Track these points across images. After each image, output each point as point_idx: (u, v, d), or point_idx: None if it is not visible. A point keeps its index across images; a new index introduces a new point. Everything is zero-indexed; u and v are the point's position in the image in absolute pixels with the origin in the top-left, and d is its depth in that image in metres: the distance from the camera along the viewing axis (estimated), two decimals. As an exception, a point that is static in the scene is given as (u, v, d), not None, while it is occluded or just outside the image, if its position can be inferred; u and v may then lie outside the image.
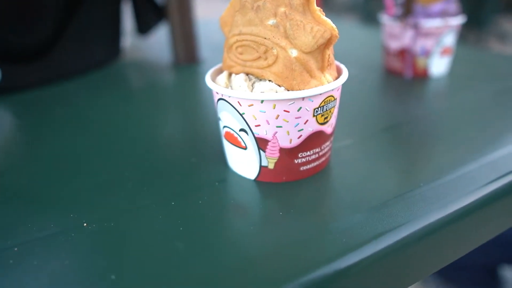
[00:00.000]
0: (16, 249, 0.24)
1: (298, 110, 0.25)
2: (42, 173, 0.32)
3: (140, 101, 0.50)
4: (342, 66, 0.29)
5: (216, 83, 0.29)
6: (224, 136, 0.29)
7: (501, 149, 0.32)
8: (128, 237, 0.24)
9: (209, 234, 0.24)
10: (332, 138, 0.30)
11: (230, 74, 0.29)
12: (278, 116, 0.25)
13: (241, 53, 0.27)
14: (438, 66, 0.50)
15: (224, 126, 0.29)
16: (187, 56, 0.59)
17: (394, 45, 0.51)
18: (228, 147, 0.30)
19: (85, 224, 0.26)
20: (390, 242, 0.23)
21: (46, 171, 0.33)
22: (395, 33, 0.50)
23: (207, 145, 0.35)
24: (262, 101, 0.25)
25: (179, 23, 0.57)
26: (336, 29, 0.25)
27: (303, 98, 0.25)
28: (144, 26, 0.67)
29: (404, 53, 0.50)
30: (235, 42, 0.27)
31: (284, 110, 0.25)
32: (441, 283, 0.69)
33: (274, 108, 0.25)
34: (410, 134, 0.36)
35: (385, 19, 0.51)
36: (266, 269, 0.21)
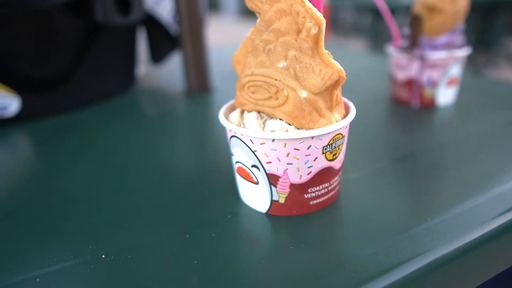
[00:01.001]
0: (38, 279, 0.25)
1: (308, 148, 0.27)
2: (60, 204, 0.34)
3: (153, 130, 0.51)
4: (350, 104, 0.31)
5: (229, 120, 0.30)
6: (237, 170, 0.30)
7: (509, 182, 0.33)
8: (144, 270, 0.25)
9: (222, 267, 0.25)
10: (340, 173, 0.31)
11: (242, 112, 0.30)
12: (288, 154, 0.27)
13: (253, 92, 0.29)
14: (445, 96, 0.51)
15: (237, 162, 0.30)
16: (200, 86, 0.61)
17: (401, 75, 0.52)
18: (240, 181, 0.31)
19: (103, 256, 0.27)
20: (397, 277, 0.24)
21: (64, 203, 0.34)
22: (402, 64, 0.51)
23: (220, 177, 0.36)
24: (273, 140, 0.26)
25: (192, 52, 0.59)
26: (343, 71, 0.27)
27: (312, 137, 0.26)
28: (158, 55, 0.69)
29: (411, 84, 0.51)
30: (247, 82, 0.29)
31: (294, 148, 0.26)
32: None
33: (284, 147, 0.26)
34: (417, 166, 0.37)
35: (392, 50, 0.53)
36: (278, 304, 0.22)
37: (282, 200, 0.29)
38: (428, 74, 0.50)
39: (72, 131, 0.51)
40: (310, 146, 0.26)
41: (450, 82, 0.51)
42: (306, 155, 0.27)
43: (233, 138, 0.29)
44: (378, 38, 2.90)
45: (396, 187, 0.34)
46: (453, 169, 0.37)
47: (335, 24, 4.25)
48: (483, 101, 0.54)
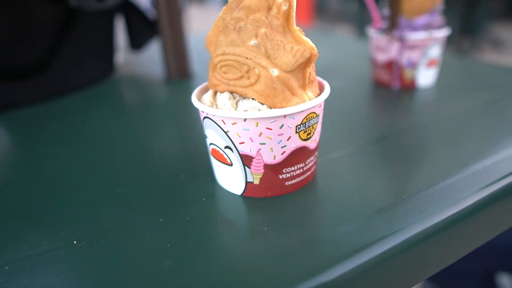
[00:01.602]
0: (6, 267, 0.24)
1: (281, 128, 0.26)
2: (34, 190, 0.33)
3: (132, 116, 0.50)
4: (325, 83, 0.30)
5: (202, 102, 0.29)
6: (211, 153, 0.30)
7: (485, 160, 0.33)
8: (117, 254, 0.25)
9: (196, 250, 0.25)
10: (316, 153, 0.30)
11: (215, 93, 0.30)
12: (261, 133, 0.26)
13: (225, 72, 0.28)
14: (425, 77, 0.51)
15: (211, 144, 0.29)
16: (179, 71, 0.60)
17: (381, 57, 0.52)
18: (215, 164, 0.30)
19: (75, 242, 0.26)
20: (371, 255, 0.24)
21: (38, 189, 0.33)
22: (382, 46, 0.51)
23: (197, 161, 0.36)
24: (245, 120, 0.26)
25: (171, 38, 0.58)
26: (315, 48, 0.26)
27: (284, 116, 0.26)
28: (137, 42, 0.68)
29: (391, 65, 0.51)
30: (219, 62, 0.28)
31: (267, 128, 0.26)
32: None
33: (257, 126, 0.26)
34: (396, 146, 0.37)
35: (372, 32, 0.52)
36: (250, 283, 0.22)
37: (256, 182, 0.28)
38: (408, 56, 0.49)
39: (50, 119, 0.50)
40: (282, 125, 0.26)
41: (430, 63, 0.51)
42: (279, 135, 0.26)
43: (206, 120, 0.28)
44: (364, 24, 2.89)
45: (374, 167, 0.34)
46: (432, 148, 0.37)
47: (321, 12, 4.23)
48: (463, 82, 0.54)
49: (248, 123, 0.26)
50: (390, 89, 0.52)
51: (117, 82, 0.64)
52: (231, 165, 0.29)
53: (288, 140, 0.27)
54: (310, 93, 0.28)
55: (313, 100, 0.27)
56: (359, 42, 0.85)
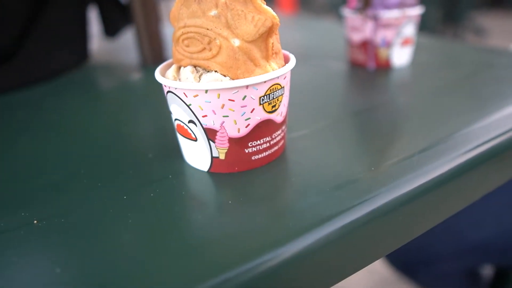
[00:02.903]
0: (-37, 250, 0.24)
1: (243, 99, 0.26)
2: (-3, 175, 0.32)
3: (106, 102, 0.49)
4: (291, 55, 0.30)
5: (166, 77, 0.29)
6: (176, 129, 0.29)
7: (457, 132, 0.33)
8: (76, 232, 0.24)
9: (157, 225, 0.24)
10: (284, 127, 0.30)
11: (179, 68, 0.29)
12: (223, 105, 0.26)
13: (187, 46, 0.27)
14: (400, 56, 0.51)
15: (175, 119, 0.29)
16: (154, 57, 0.59)
17: (356, 37, 0.52)
18: (181, 140, 0.30)
19: (35, 222, 0.26)
20: (335, 226, 0.24)
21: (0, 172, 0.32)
22: (356, 26, 0.51)
23: (165, 141, 0.35)
24: (206, 91, 0.25)
25: (144, 23, 0.57)
26: (277, 18, 0.26)
27: (247, 87, 0.25)
28: (111, 29, 0.66)
29: (366, 45, 0.51)
30: (181, 35, 0.27)
31: (229, 99, 0.25)
32: None
33: (218, 98, 0.25)
34: (369, 121, 0.37)
35: (347, 12, 0.52)
36: (211, 256, 0.22)
37: (222, 156, 0.28)
38: (382, 35, 0.49)
39: (20, 107, 0.48)
40: (245, 96, 0.26)
41: (405, 42, 0.50)
42: (242, 106, 0.26)
43: (169, 94, 0.28)
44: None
45: (345, 141, 0.34)
46: (404, 122, 0.37)
47: (306, 3, 4.22)
48: (438, 60, 0.54)
49: (209, 95, 0.25)
50: (366, 69, 0.52)
51: (91, 69, 0.63)
52: (195, 140, 0.28)
53: (251, 112, 0.26)
54: (274, 65, 0.27)
55: (276, 71, 0.26)
56: (341, 27, 0.85)
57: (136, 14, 0.57)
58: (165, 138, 0.35)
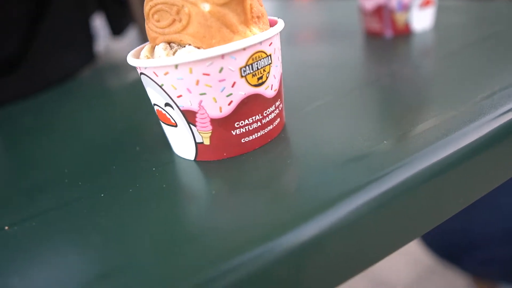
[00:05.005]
0: None
1: (220, 72, 0.22)
2: (-18, 181, 0.30)
3: (112, 102, 0.47)
4: (279, 20, 0.26)
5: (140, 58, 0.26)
6: (158, 115, 0.26)
7: (485, 96, 0.28)
8: (46, 235, 0.22)
9: (129, 223, 0.21)
10: (278, 103, 0.26)
11: (153, 47, 0.26)
12: (198, 81, 0.22)
13: (157, 21, 0.24)
14: (420, 20, 0.45)
15: (154, 104, 0.26)
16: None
17: (369, 4, 0.46)
18: (164, 128, 0.27)
19: (6, 228, 0.23)
20: (341, 212, 0.20)
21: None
22: (367, -9, 0.46)
23: (155, 132, 0.32)
24: (176, 66, 0.22)
25: (142, 16, 0.54)
26: (251, -27, 0.22)
27: (222, 56, 0.22)
28: (116, 27, 0.65)
29: (380, 11, 0.45)
30: (150, 9, 0.24)
31: (204, 74, 0.22)
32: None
33: (191, 73, 0.22)
34: (384, 90, 0.32)
35: (356, -23, 0.47)
36: (196, 254, 0.18)
37: (206, 141, 0.25)
38: (397, -3, 0.44)
39: (26, 115, 0.47)
40: (222, 68, 0.22)
41: (424, 3, 0.45)
42: (220, 81, 0.22)
43: (143, 77, 0.25)
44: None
45: (355, 114, 0.29)
46: (425, 89, 0.32)
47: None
48: (466, 20, 0.48)
49: (180, 70, 0.22)
50: (383, 37, 0.46)
51: (99, 70, 0.61)
52: (175, 125, 0.25)
53: (233, 86, 0.23)
54: (256, 30, 0.23)
55: (256, 35, 0.22)
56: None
57: (135, 9, 0.54)
58: (158, 129, 0.32)
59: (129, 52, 0.26)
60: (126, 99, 0.47)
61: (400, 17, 0.45)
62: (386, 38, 0.46)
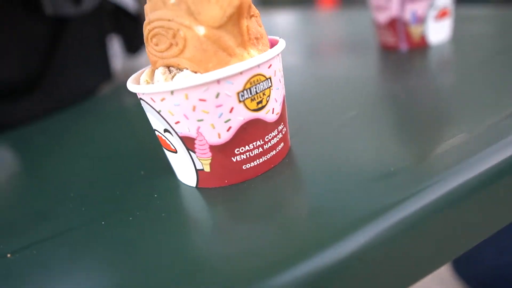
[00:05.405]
0: None
1: (217, 97, 0.21)
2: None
3: (123, 123, 0.48)
4: (281, 40, 0.25)
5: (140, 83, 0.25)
6: (160, 141, 0.26)
7: (488, 119, 0.26)
8: (44, 266, 0.21)
9: (128, 252, 0.20)
10: (282, 127, 0.25)
11: (154, 71, 0.25)
12: (194, 107, 0.22)
13: (156, 44, 0.24)
14: (437, 32, 0.44)
15: (155, 130, 0.25)
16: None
17: (382, 17, 0.45)
18: (166, 153, 0.26)
19: (9, 255, 0.23)
20: (355, 243, 0.18)
21: (-5, 204, 0.31)
22: (380, 4, 0.45)
23: (164, 157, 0.32)
24: (172, 92, 0.21)
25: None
26: (247, -5, 0.21)
27: (218, 81, 0.21)
28: (132, 45, 0.66)
29: (394, 24, 0.44)
30: (148, 33, 0.24)
31: (200, 99, 0.21)
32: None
33: (187, 99, 0.21)
34: (399, 108, 0.31)
35: (369, -10, 0.46)
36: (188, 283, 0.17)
37: (207, 168, 0.24)
38: (411, 9, 0.42)
39: (40, 135, 0.48)
40: (218, 93, 0.21)
41: (441, 15, 0.43)
42: (217, 106, 0.22)
43: (142, 102, 0.24)
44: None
45: (368, 135, 0.28)
46: (445, 107, 0.30)
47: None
48: (485, 31, 0.46)
49: (176, 96, 0.21)
50: (398, 51, 0.45)
51: (116, 89, 0.62)
52: (176, 152, 0.24)
53: (231, 112, 0.22)
54: (254, 52, 0.23)
55: (253, 58, 0.22)
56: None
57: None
58: (161, 154, 0.32)
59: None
60: (139, 119, 0.47)
61: (415, 30, 0.43)
62: (401, 52, 0.44)
